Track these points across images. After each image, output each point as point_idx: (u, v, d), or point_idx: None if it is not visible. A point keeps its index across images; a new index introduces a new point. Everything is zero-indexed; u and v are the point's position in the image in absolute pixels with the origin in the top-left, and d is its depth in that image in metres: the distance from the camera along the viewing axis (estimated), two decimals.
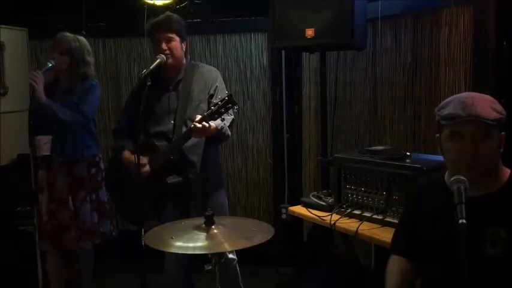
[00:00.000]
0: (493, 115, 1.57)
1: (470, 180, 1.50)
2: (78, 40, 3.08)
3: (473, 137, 1.58)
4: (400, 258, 1.85)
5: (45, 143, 2.97)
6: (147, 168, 2.70)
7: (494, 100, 1.63)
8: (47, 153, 2.98)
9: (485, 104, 1.59)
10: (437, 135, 1.70)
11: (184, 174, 2.71)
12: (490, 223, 1.58)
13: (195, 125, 2.47)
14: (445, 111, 1.62)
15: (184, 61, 2.84)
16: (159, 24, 2.77)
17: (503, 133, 1.62)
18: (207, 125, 2.49)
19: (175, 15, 2.83)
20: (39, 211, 3.08)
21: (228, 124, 2.70)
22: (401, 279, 1.80)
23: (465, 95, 1.66)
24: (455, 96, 1.66)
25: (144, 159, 2.66)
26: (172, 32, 2.74)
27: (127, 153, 2.80)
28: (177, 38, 2.76)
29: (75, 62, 3.06)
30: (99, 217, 3.15)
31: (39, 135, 2.97)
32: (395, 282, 1.80)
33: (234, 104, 2.44)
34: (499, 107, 1.61)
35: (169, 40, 2.74)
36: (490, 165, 1.62)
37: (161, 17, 2.80)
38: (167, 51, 2.72)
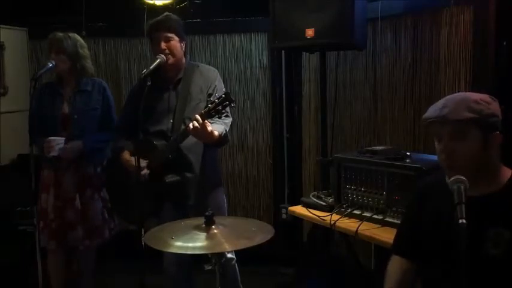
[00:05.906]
0: (464, 116, 1.56)
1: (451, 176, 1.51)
2: (69, 37, 3.10)
3: (448, 138, 1.61)
4: (401, 258, 1.85)
5: (57, 144, 2.97)
6: (145, 171, 2.69)
7: (481, 100, 1.58)
8: (56, 154, 2.98)
9: (460, 105, 1.58)
10: None
11: (182, 174, 2.71)
12: (492, 224, 1.58)
13: (193, 122, 2.45)
14: (425, 114, 1.67)
15: (183, 61, 2.85)
16: (157, 24, 2.77)
17: (497, 132, 1.60)
18: (204, 122, 2.44)
19: (174, 16, 2.83)
20: (45, 210, 3.08)
21: (227, 128, 2.70)
22: (401, 279, 1.81)
23: (447, 97, 1.67)
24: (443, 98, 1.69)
25: (143, 162, 2.65)
26: (171, 32, 2.74)
27: (126, 155, 2.80)
28: (176, 38, 2.76)
29: (71, 58, 3.08)
30: (107, 214, 3.18)
31: (51, 136, 2.97)
32: (395, 282, 1.80)
33: (231, 101, 2.41)
34: (481, 107, 1.57)
35: (168, 39, 2.74)
36: (470, 165, 1.59)
37: (160, 17, 2.81)
38: (167, 51, 2.72)
